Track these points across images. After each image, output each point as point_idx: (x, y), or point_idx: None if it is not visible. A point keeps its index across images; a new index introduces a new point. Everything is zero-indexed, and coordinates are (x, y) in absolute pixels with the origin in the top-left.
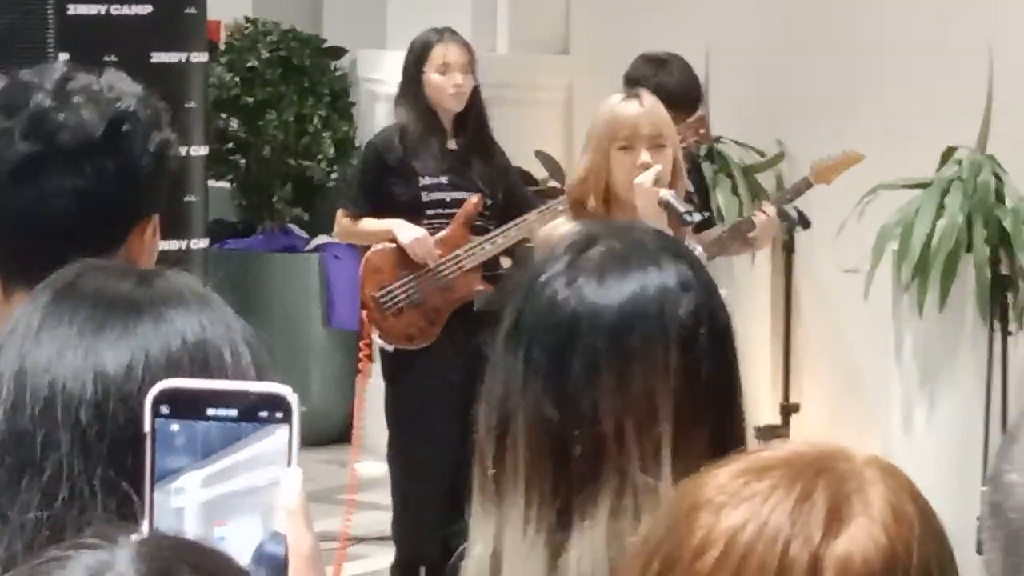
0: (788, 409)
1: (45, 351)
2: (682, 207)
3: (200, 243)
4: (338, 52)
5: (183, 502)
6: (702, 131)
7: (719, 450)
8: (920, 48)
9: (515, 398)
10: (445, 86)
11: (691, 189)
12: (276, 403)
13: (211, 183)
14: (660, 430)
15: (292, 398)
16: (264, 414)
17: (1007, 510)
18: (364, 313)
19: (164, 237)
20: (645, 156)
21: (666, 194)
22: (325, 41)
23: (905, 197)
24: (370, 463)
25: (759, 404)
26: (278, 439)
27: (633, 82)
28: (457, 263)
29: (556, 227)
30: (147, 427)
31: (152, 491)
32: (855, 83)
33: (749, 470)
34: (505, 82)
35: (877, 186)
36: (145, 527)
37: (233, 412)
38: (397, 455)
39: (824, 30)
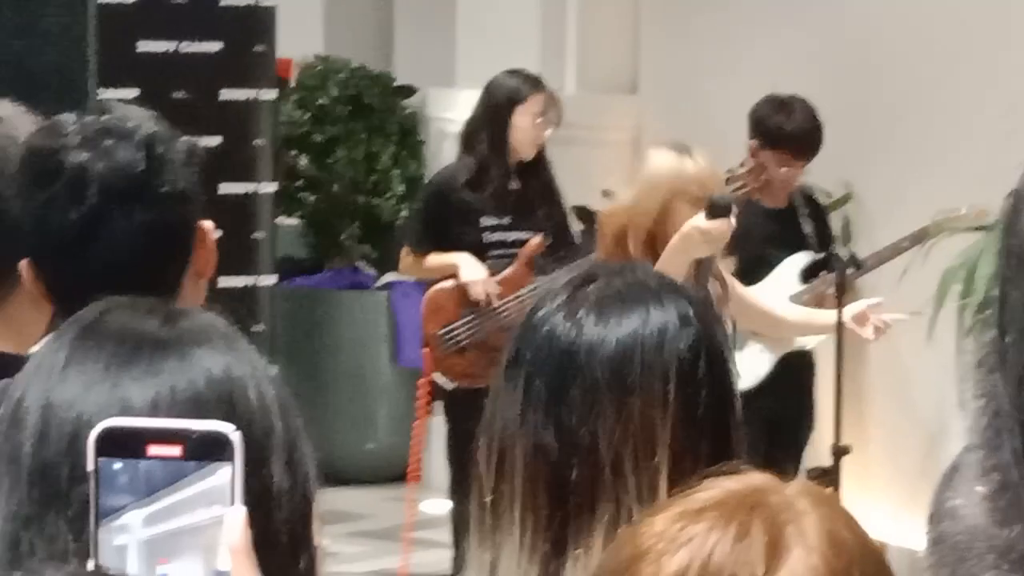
0: (839, 451)
1: (71, 386)
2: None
3: (268, 280)
4: (408, 91)
5: (126, 540)
6: (763, 177)
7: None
8: (987, 89)
9: (513, 429)
10: (534, 134)
11: None
12: (220, 442)
13: (280, 220)
14: (657, 461)
15: (235, 436)
16: (208, 452)
17: (953, 535)
18: (425, 351)
19: (233, 273)
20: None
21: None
22: (395, 80)
23: (969, 240)
24: (436, 501)
25: (820, 446)
26: (222, 477)
27: (753, 122)
28: (520, 303)
29: None
30: (90, 465)
31: (97, 530)
32: (921, 123)
33: (684, 514)
34: (573, 122)
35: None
36: (91, 565)
37: (176, 450)
38: (458, 495)
39: (891, 71)
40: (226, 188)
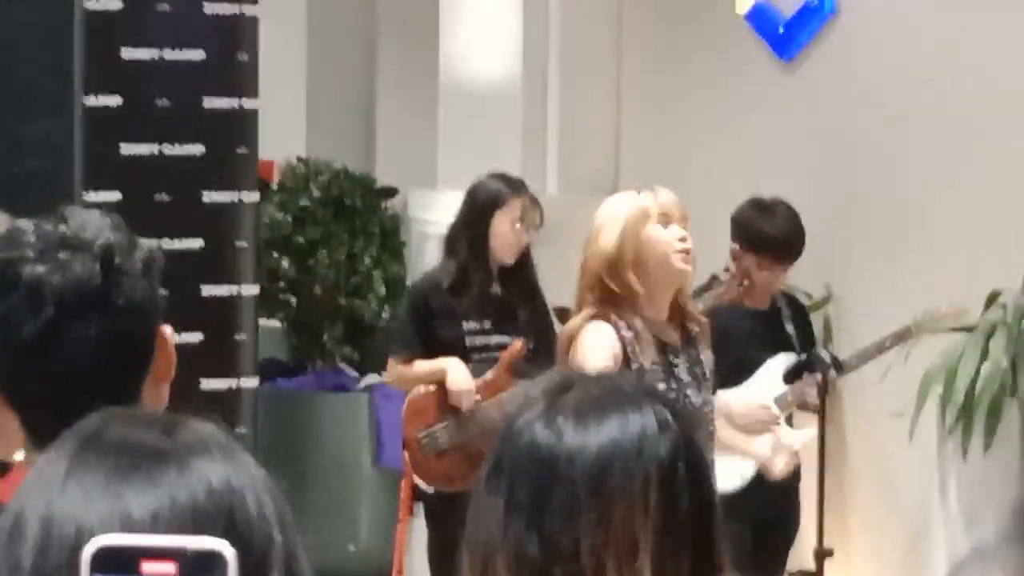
0: (822, 554)
1: (72, 498)
2: None
3: (251, 381)
4: (389, 192)
5: None
6: (745, 282)
7: None
8: (965, 191)
9: (496, 539)
10: (514, 239)
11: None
12: (214, 558)
13: (262, 322)
14: (639, 567)
15: (229, 554)
16: (203, 569)
17: None
18: (406, 454)
19: (215, 375)
20: (679, 230)
21: None
22: (376, 181)
23: (950, 340)
24: None
25: (803, 547)
26: None
27: (736, 226)
28: (500, 407)
29: (579, 324)
30: None
31: None
32: (902, 226)
33: None
34: (554, 222)
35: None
36: None
37: (171, 568)
38: None
39: (870, 173)
40: (209, 290)
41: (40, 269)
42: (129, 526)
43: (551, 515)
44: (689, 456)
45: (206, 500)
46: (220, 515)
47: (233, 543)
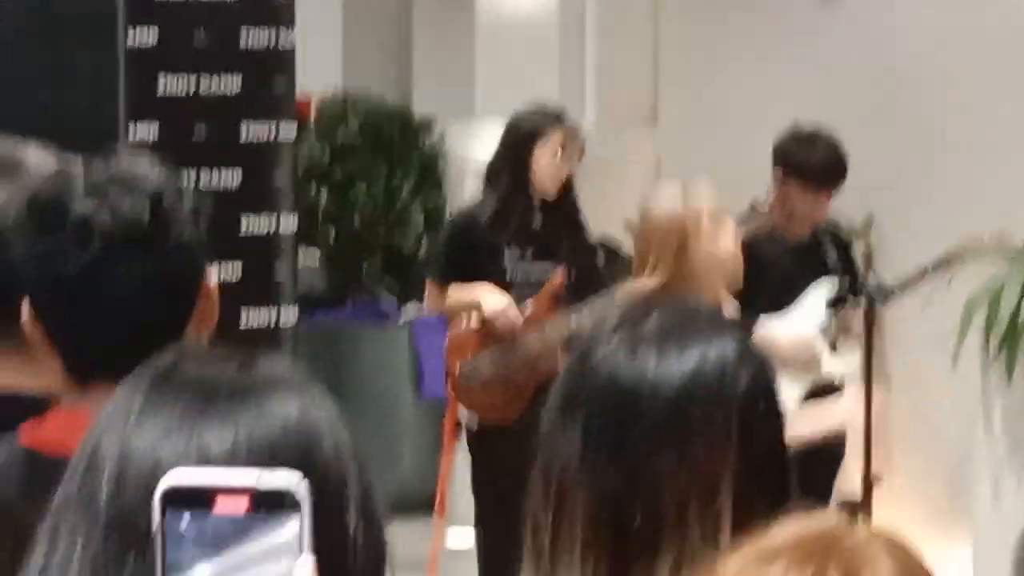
0: (869, 482)
1: (149, 433)
2: None
3: (290, 315)
4: (427, 124)
5: None
6: (787, 208)
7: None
8: (1007, 117)
9: (573, 471)
10: (555, 171)
11: None
12: (287, 493)
13: (300, 255)
14: (720, 502)
15: (301, 487)
16: (276, 504)
17: None
18: (449, 386)
19: (254, 307)
20: (730, 239)
21: None
22: (414, 113)
23: (992, 267)
24: (460, 530)
25: (847, 474)
26: (290, 530)
27: (778, 154)
28: (543, 337)
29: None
30: (155, 520)
31: None
32: (943, 152)
33: (760, 556)
34: (593, 152)
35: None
36: None
37: (244, 503)
38: (482, 530)
39: (911, 100)
40: (247, 224)
41: (89, 205)
42: (205, 461)
43: (632, 449)
44: (767, 387)
45: (282, 436)
46: (296, 451)
47: (308, 479)
